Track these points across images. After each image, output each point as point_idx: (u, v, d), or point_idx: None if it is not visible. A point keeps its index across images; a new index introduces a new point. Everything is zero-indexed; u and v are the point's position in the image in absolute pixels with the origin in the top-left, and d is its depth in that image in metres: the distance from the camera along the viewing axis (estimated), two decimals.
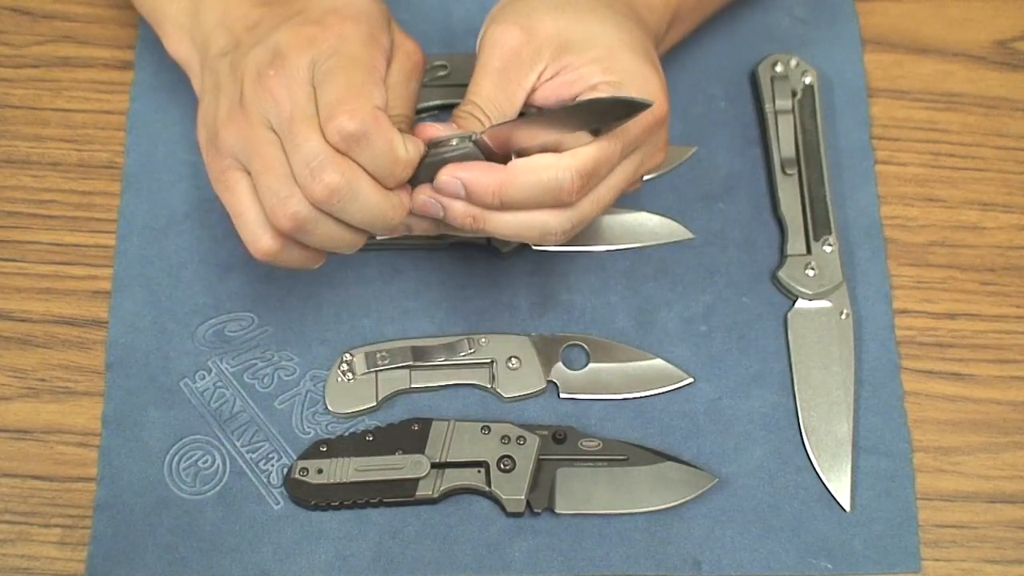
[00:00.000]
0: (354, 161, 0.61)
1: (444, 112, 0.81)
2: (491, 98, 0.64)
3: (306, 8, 0.65)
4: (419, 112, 0.80)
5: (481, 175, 0.62)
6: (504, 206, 0.63)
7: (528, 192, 0.62)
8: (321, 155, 0.61)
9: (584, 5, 0.66)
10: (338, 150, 0.61)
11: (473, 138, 0.62)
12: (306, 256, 0.65)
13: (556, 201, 0.63)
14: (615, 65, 0.64)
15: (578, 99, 0.64)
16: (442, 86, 0.80)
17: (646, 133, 0.65)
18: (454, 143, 0.63)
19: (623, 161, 0.65)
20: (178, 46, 0.71)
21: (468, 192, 0.62)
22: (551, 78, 0.65)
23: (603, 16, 0.66)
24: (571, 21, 0.65)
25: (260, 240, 0.64)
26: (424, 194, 0.63)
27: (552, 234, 0.65)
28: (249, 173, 0.63)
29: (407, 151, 0.62)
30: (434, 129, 0.64)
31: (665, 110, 0.66)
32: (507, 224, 0.64)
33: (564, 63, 0.65)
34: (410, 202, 0.63)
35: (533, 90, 0.65)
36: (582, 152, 0.63)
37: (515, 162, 0.63)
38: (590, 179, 0.63)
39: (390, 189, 0.62)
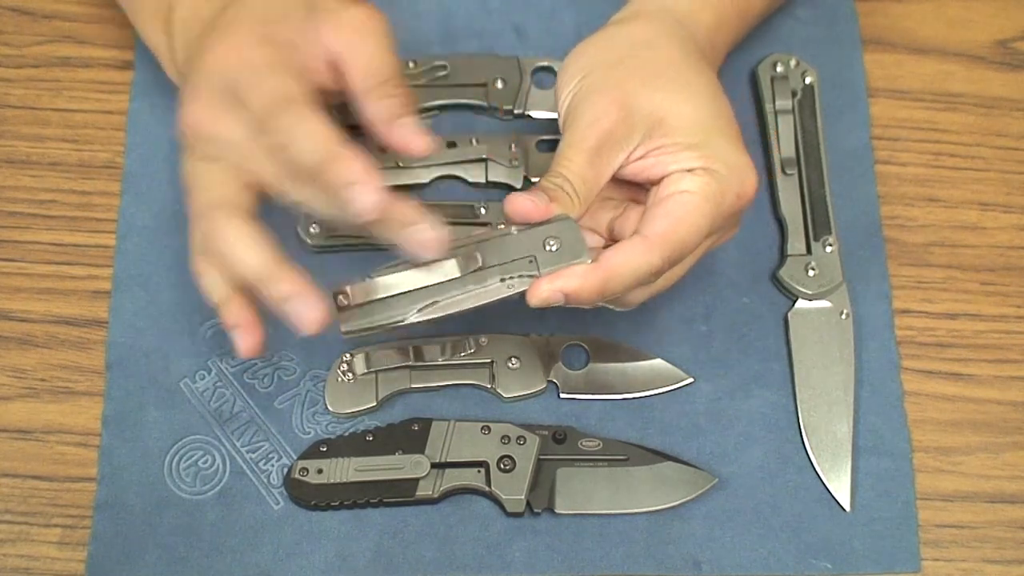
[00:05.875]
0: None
1: (444, 112, 0.81)
2: (581, 174, 0.64)
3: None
4: (420, 112, 0.80)
5: (583, 282, 0.62)
6: (604, 299, 0.64)
7: (625, 284, 0.63)
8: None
9: (678, 79, 0.66)
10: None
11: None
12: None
13: (643, 284, 0.64)
14: (713, 152, 0.64)
15: (670, 176, 0.64)
16: (442, 86, 0.80)
17: (733, 217, 0.66)
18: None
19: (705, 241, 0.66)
20: (153, 34, 0.72)
21: (569, 299, 0.62)
22: (641, 157, 0.65)
23: (695, 90, 0.66)
24: (665, 99, 0.65)
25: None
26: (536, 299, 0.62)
27: (627, 307, 0.67)
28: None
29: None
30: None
31: (754, 193, 0.66)
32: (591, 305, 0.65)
33: (657, 144, 0.65)
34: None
35: (620, 167, 0.65)
36: (673, 239, 0.63)
37: (611, 259, 0.62)
38: (675, 263, 0.64)
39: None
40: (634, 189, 0.68)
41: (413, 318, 0.62)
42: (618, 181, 0.67)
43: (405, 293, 0.62)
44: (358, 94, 0.65)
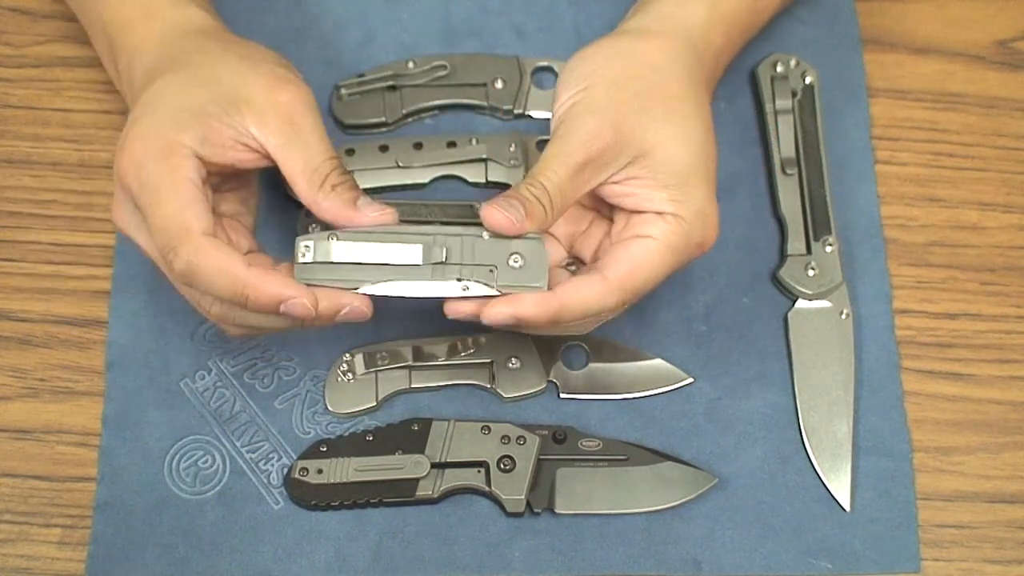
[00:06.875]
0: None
1: (444, 112, 0.81)
2: (560, 187, 0.64)
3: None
4: (420, 112, 0.80)
5: (536, 310, 0.63)
6: (555, 328, 0.65)
7: (577, 317, 0.64)
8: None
9: (675, 113, 0.66)
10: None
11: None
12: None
13: (597, 318, 0.66)
14: (685, 198, 0.65)
15: (640, 214, 0.66)
16: (442, 86, 0.80)
17: (689, 262, 0.67)
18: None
19: None
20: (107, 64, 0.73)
21: (521, 323, 0.64)
22: (617, 182, 0.66)
23: (688, 127, 0.67)
24: (658, 131, 0.66)
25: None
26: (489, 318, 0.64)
27: (577, 332, 0.70)
28: None
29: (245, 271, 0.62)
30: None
31: (713, 243, 0.67)
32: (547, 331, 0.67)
33: (637, 173, 0.66)
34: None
35: (598, 185, 0.66)
36: (631, 284, 0.64)
37: (568, 293, 0.64)
38: (629, 303, 0.66)
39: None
40: (599, 199, 0.69)
41: (364, 290, 0.64)
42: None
43: (364, 264, 0.64)
44: (303, 194, 0.65)
